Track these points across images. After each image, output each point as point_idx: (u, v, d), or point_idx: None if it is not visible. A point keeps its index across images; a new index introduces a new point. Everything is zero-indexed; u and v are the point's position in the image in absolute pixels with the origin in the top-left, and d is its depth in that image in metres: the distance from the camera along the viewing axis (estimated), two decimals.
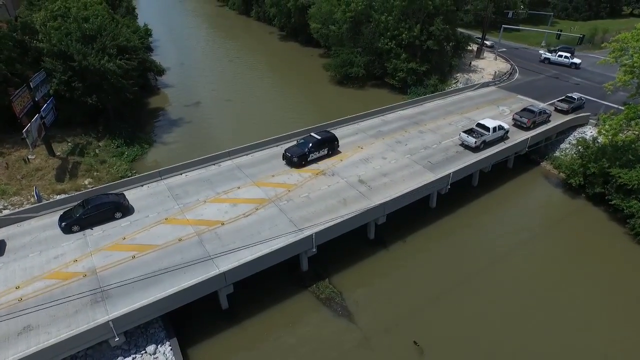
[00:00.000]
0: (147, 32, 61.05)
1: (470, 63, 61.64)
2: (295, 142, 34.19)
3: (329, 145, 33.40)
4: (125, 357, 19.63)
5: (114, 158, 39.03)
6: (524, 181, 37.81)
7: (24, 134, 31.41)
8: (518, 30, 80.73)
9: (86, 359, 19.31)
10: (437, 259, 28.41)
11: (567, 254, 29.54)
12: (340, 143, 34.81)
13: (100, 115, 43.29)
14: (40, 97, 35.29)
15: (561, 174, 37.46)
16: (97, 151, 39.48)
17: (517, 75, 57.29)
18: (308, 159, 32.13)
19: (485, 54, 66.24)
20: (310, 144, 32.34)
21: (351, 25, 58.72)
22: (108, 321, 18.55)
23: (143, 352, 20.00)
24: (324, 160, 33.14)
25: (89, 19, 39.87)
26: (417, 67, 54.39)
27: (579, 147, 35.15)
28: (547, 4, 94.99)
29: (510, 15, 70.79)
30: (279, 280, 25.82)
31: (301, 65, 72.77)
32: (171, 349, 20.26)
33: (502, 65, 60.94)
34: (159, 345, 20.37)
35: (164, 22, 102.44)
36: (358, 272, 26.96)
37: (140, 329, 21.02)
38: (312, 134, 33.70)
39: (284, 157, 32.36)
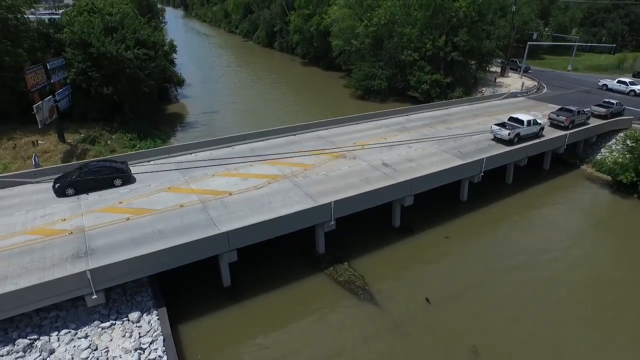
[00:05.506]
0: (172, 47, 62.05)
1: (495, 79, 59.91)
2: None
3: None
4: (102, 322, 16.35)
5: (125, 149, 37.64)
6: (564, 182, 34.08)
7: (34, 109, 30.44)
8: (542, 57, 79.98)
9: (57, 320, 16.18)
10: (470, 252, 24.53)
11: (624, 254, 25.34)
12: (360, 135, 32.12)
13: (116, 112, 42.68)
14: (56, 80, 34.83)
15: (606, 175, 33.75)
16: (108, 142, 38.24)
17: (545, 90, 55.01)
18: None
19: (510, 73, 64.60)
20: None
21: (373, 40, 58.50)
22: (85, 270, 15.58)
23: (125, 319, 16.70)
24: None
25: (112, 13, 40.35)
26: (441, 79, 52.83)
27: (627, 140, 31.72)
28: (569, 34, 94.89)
29: (534, 36, 69.90)
30: (291, 262, 22.53)
31: (323, 85, 72.54)
32: (158, 319, 16.89)
33: (529, 82, 58.90)
34: (145, 314, 17.06)
35: (189, 51, 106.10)
36: (381, 259, 23.37)
37: (126, 296, 17.90)
38: None
39: None
